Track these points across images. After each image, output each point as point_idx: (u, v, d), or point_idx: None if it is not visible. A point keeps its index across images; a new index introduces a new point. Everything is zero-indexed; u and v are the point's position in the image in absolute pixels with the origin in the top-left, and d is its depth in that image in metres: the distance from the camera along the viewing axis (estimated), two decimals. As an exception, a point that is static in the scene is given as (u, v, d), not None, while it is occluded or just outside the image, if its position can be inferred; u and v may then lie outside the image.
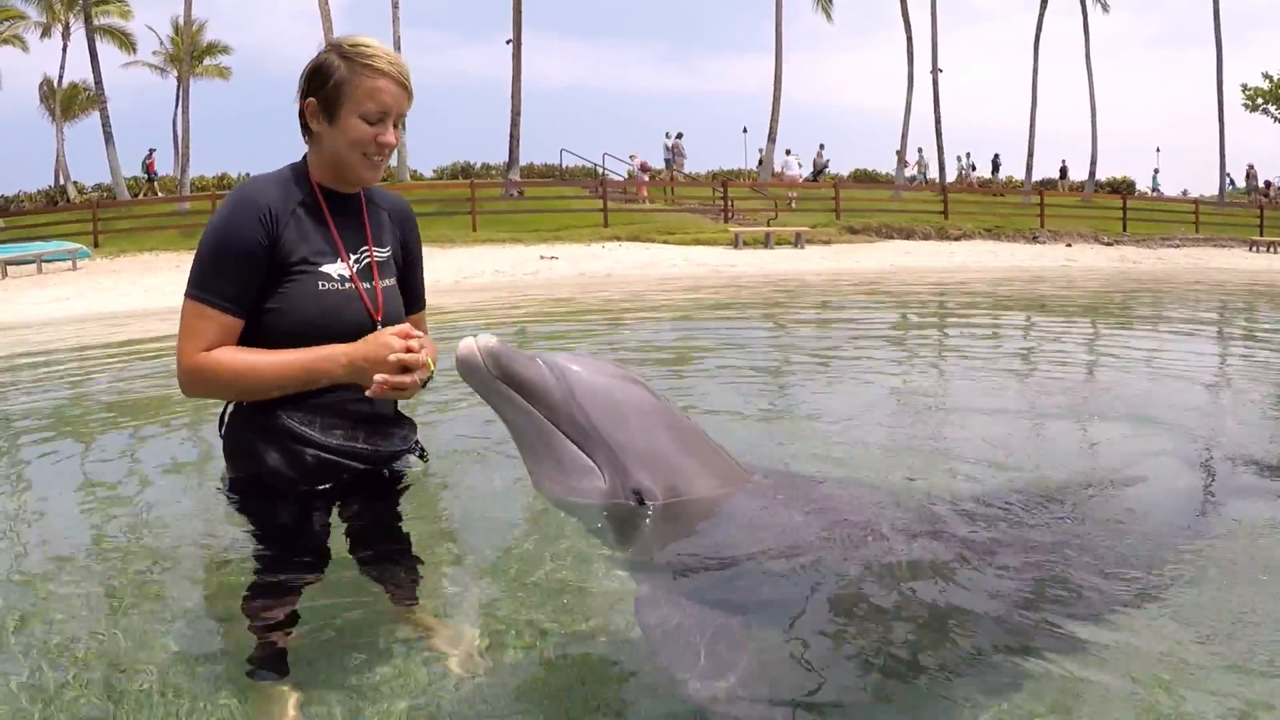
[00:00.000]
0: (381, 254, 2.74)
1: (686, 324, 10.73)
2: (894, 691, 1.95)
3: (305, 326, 2.54)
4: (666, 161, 40.25)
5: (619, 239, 25.78)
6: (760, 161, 42.27)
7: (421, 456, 2.86)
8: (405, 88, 2.60)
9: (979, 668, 2.01)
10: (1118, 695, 1.98)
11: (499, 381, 2.51)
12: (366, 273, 2.67)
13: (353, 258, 2.65)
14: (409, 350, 2.49)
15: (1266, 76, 51.37)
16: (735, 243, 25.03)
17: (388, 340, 2.50)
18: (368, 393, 2.48)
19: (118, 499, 3.49)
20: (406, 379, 2.48)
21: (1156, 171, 50.45)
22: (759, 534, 2.44)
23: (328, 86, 2.56)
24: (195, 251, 2.56)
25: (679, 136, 40.21)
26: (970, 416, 5.02)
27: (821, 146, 45.54)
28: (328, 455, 2.60)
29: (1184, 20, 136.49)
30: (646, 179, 37.82)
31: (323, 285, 2.58)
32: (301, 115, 2.62)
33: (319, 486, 2.62)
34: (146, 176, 41.88)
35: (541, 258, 20.77)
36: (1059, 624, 2.11)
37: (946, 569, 2.28)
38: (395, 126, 2.62)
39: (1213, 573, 2.49)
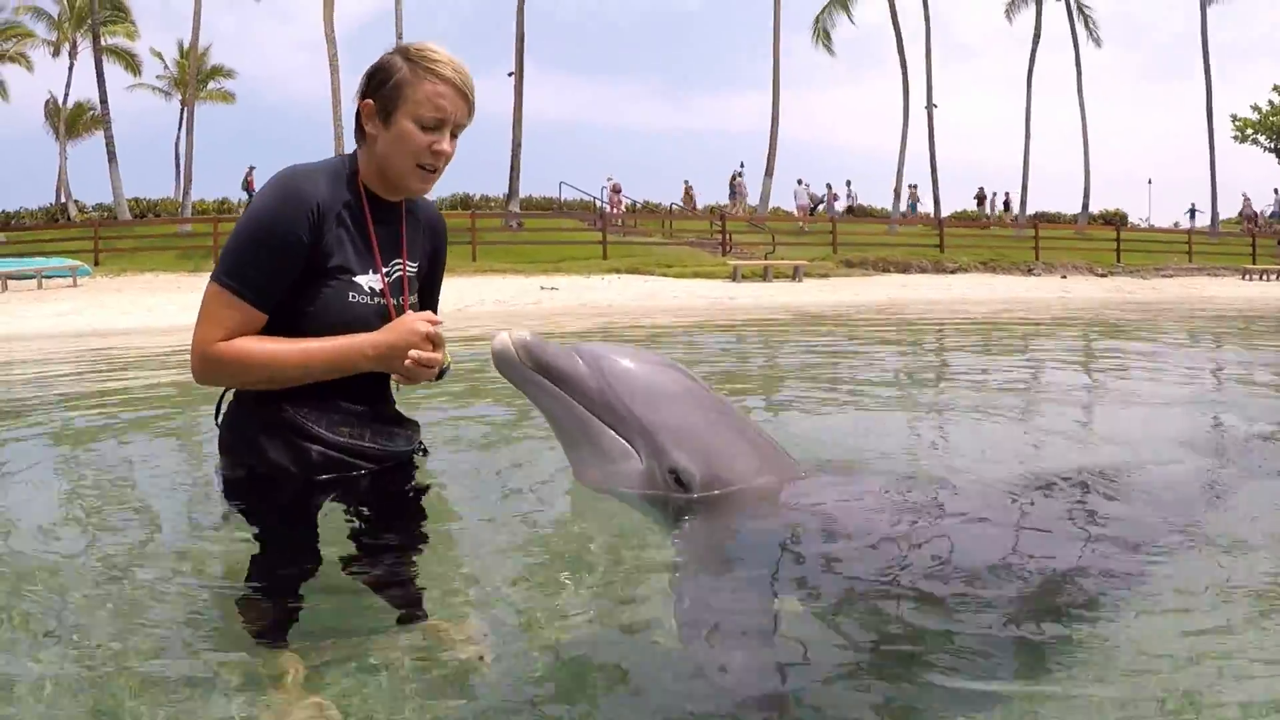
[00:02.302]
0: (411, 268, 2.68)
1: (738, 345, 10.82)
2: (934, 685, 1.98)
3: (331, 335, 2.47)
4: (730, 197, 41.88)
5: (618, 271, 25.91)
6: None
7: (424, 455, 2.84)
8: (467, 99, 2.52)
9: (1026, 662, 2.05)
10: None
11: (534, 372, 2.54)
12: (397, 287, 2.61)
13: (384, 270, 2.58)
14: (433, 331, 2.49)
15: (1255, 108, 51.83)
16: (734, 276, 25.17)
17: (413, 324, 2.47)
18: (395, 378, 2.52)
19: (106, 500, 3.44)
20: (436, 355, 2.48)
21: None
22: (801, 518, 2.48)
23: (387, 87, 2.47)
24: (232, 232, 2.47)
25: (740, 174, 41.59)
26: (1018, 424, 5.11)
27: (828, 186, 46.20)
28: (334, 453, 2.55)
29: (1173, 53, 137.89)
30: (619, 199, 40.72)
31: (353, 297, 2.51)
32: (357, 117, 2.54)
33: (321, 480, 2.56)
34: (247, 196, 41.42)
35: (542, 288, 20.89)
36: (1111, 614, 2.18)
37: (998, 564, 2.33)
38: (454, 139, 2.54)
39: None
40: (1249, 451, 4.23)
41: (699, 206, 44.86)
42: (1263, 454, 4.20)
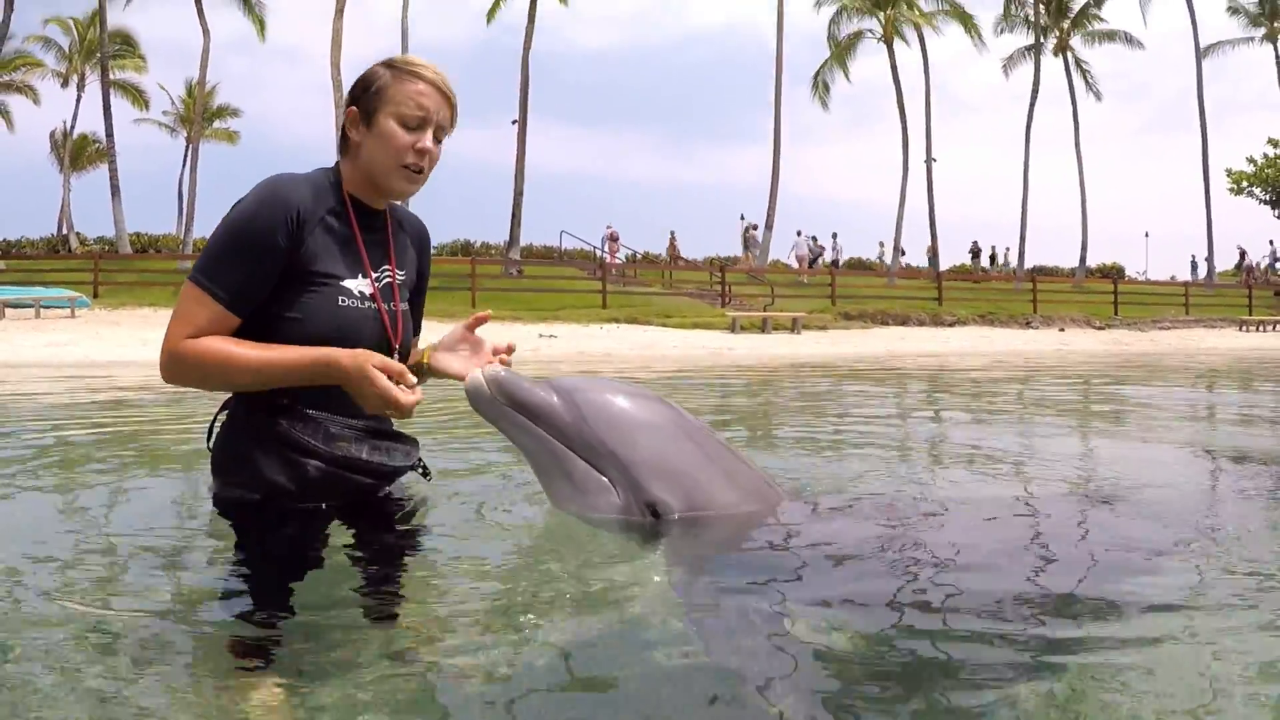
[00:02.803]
0: (400, 275, 2.67)
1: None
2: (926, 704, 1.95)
3: (321, 340, 2.42)
4: (744, 249, 42.63)
5: (617, 321, 25.94)
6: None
7: (424, 474, 2.79)
8: (449, 101, 2.54)
9: (1018, 677, 2.01)
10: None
11: (508, 409, 2.54)
12: (387, 293, 2.60)
13: (374, 275, 2.57)
14: (396, 381, 2.35)
15: (1250, 160, 52.24)
16: (733, 327, 25.21)
17: (365, 366, 2.32)
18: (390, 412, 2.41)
19: (93, 523, 3.40)
20: (410, 395, 2.36)
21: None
22: (785, 543, 2.47)
23: (369, 92, 2.51)
24: (212, 234, 2.46)
25: (754, 227, 42.04)
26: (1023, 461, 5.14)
27: (814, 238, 46.48)
28: (331, 468, 2.49)
29: (1170, 108, 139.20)
30: (616, 247, 41.49)
31: (343, 301, 2.49)
32: (343, 128, 2.57)
33: (318, 501, 2.53)
34: None
35: (541, 336, 20.91)
36: (1099, 631, 2.15)
37: (989, 580, 2.34)
38: (438, 143, 2.55)
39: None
40: (1246, 476, 4.34)
41: (694, 258, 45.38)
42: (1258, 478, 4.29)
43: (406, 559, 2.65)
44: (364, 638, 2.26)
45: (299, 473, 2.48)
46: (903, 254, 47.15)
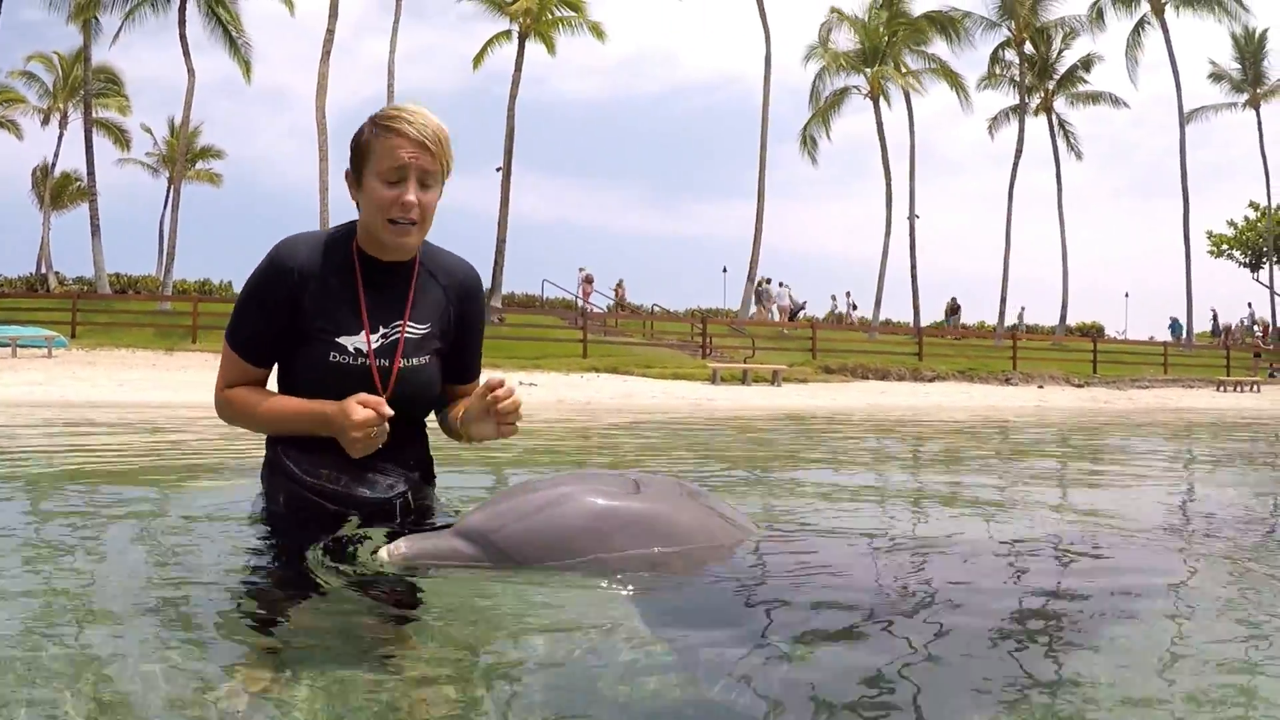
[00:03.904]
0: (417, 330, 2.72)
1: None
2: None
3: (311, 394, 2.64)
4: (756, 303, 43.02)
5: (597, 370, 25.95)
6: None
7: (404, 510, 2.71)
8: (428, 147, 2.56)
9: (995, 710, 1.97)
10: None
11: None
12: (389, 350, 2.67)
13: (381, 331, 2.67)
14: (371, 418, 2.53)
15: (1231, 223, 52.94)
16: (713, 378, 25.24)
17: (350, 409, 2.53)
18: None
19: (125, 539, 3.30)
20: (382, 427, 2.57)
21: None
22: (758, 587, 2.39)
23: (356, 152, 2.62)
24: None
25: (767, 281, 42.78)
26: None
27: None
28: (305, 493, 2.65)
29: (1152, 171, 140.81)
30: (590, 289, 42.31)
31: (334, 357, 2.63)
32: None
33: (305, 521, 2.63)
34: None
35: (521, 384, 20.88)
36: (1068, 662, 2.12)
37: (953, 622, 2.28)
38: (429, 189, 2.60)
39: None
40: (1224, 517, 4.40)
41: (676, 309, 45.55)
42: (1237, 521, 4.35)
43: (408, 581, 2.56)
44: (348, 654, 2.18)
45: (286, 494, 2.70)
46: (854, 308, 47.72)
